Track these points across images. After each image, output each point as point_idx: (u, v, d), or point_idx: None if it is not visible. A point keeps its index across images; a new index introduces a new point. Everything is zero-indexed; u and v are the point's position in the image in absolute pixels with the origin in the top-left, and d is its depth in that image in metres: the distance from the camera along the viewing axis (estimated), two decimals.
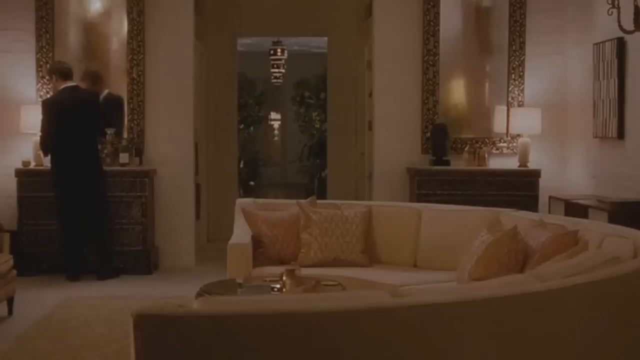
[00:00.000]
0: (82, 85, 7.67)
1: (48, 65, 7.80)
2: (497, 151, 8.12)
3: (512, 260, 4.23)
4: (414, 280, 5.00)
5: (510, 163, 7.85)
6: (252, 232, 5.54)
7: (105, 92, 8.01)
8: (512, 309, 2.72)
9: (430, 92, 8.10)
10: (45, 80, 7.92)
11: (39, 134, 7.42)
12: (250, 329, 2.43)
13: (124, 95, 8.07)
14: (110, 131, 7.83)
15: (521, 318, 2.72)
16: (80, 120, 7.39)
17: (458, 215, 5.63)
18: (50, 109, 7.35)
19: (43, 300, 6.43)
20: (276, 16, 10.93)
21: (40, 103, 7.55)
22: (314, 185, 16.55)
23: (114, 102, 8.03)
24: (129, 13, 8.03)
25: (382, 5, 8.24)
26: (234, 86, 10.87)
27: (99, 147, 7.68)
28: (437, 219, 5.64)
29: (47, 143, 7.36)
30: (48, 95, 7.76)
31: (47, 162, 7.62)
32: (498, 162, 7.97)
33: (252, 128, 18.92)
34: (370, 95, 8.78)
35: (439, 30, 8.08)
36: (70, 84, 7.43)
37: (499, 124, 8.10)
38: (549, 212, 7.08)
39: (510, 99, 8.09)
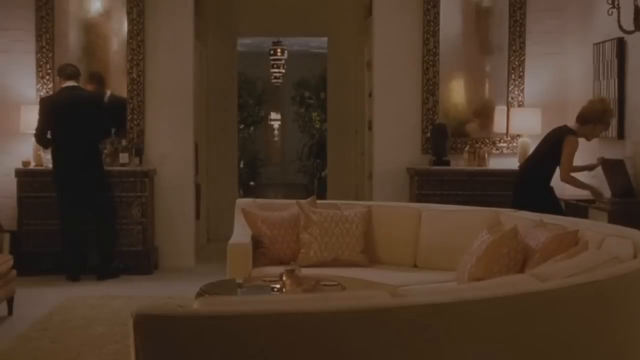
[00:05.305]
0: (90, 87, 7.70)
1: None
2: (497, 151, 8.13)
3: (512, 260, 4.22)
4: (414, 280, 5.00)
5: (510, 163, 7.85)
6: (252, 232, 5.54)
7: (108, 93, 8.00)
8: (512, 309, 2.72)
9: (430, 92, 8.10)
10: (45, 80, 7.93)
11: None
12: (250, 329, 2.43)
13: (124, 95, 8.07)
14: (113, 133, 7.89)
15: (521, 318, 2.72)
16: (79, 120, 7.39)
17: (458, 215, 5.63)
18: (45, 106, 7.42)
19: (43, 300, 6.44)
20: (276, 16, 10.93)
21: (39, 101, 7.62)
22: (314, 185, 16.56)
23: (118, 103, 8.00)
24: (129, 13, 8.03)
25: (382, 5, 8.24)
26: (234, 86, 10.87)
27: (100, 147, 7.69)
28: (437, 219, 5.64)
29: (40, 139, 7.44)
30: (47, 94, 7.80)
31: (47, 161, 7.64)
32: (498, 162, 7.98)
33: (252, 128, 18.93)
34: (370, 95, 8.79)
35: (439, 30, 8.08)
36: (70, 84, 7.44)
37: (499, 124, 8.11)
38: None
39: (510, 99, 8.10)
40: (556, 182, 6.42)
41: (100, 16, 8.11)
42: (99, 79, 7.92)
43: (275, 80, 17.56)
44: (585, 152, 7.30)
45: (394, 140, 8.16)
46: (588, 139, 6.36)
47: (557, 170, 6.32)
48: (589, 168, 6.65)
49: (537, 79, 8.06)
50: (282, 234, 5.56)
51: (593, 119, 6.21)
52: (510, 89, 8.09)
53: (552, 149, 6.23)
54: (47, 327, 5.59)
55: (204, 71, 9.81)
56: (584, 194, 7.02)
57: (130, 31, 8.04)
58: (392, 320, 2.54)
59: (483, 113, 8.20)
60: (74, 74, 7.48)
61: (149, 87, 8.10)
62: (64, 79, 7.47)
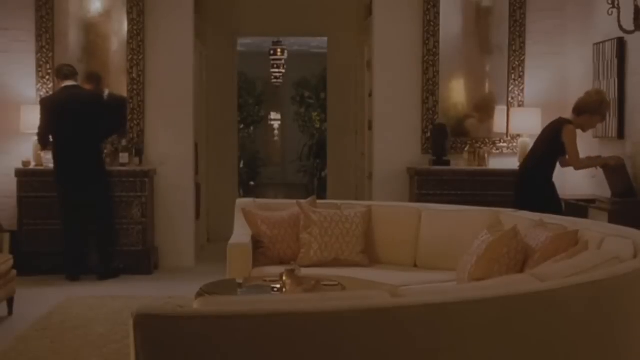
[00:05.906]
0: (88, 87, 7.70)
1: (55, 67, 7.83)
2: (497, 151, 8.13)
3: (512, 260, 4.22)
4: (414, 280, 4.99)
5: (510, 163, 7.85)
6: (252, 232, 5.54)
7: (107, 92, 7.98)
8: (512, 309, 2.72)
9: (430, 92, 8.10)
10: (45, 80, 7.93)
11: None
12: (250, 329, 2.43)
13: (124, 95, 8.06)
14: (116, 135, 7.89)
15: (521, 318, 2.72)
16: (80, 119, 7.39)
17: (458, 215, 5.63)
18: (45, 106, 7.43)
19: (43, 300, 6.44)
20: (276, 16, 10.92)
21: (39, 101, 7.61)
22: (314, 185, 16.57)
23: (117, 102, 7.97)
24: (129, 13, 8.04)
25: (382, 6, 8.24)
26: (234, 86, 10.87)
27: (101, 147, 7.69)
28: (437, 219, 5.64)
29: (42, 139, 7.45)
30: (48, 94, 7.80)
31: (47, 161, 7.64)
32: (498, 162, 7.98)
33: (252, 128, 18.93)
34: (370, 95, 8.79)
35: (439, 30, 8.08)
36: (69, 83, 7.44)
37: (499, 124, 8.11)
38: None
39: (510, 99, 8.10)
40: (557, 180, 6.43)
41: (100, 16, 8.11)
42: (96, 79, 7.89)
43: (275, 80, 17.56)
44: (584, 151, 7.32)
45: (394, 140, 8.16)
46: (584, 130, 6.39)
47: (558, 165, 6.33)
48: (607, 162, 6.48)
49: (537, 78, 8.06)
50: (282, 234, 5.56)
51: (589, 109, 6.23)
52: (510, 88, 8.10)
53: (551, 142, 6.25)
54: (47, 327, 5.59)
55: (204, 71, 9.81)
56: (584, 193, 7.04)
57: (130, 31, 8.04)
58: (392, 320, 2.54)
59: (483, 112, 8.19)
60: (71, 74, 7.49)
61: (149, 87, 8.10)
62: (61, 79, 7.48)
